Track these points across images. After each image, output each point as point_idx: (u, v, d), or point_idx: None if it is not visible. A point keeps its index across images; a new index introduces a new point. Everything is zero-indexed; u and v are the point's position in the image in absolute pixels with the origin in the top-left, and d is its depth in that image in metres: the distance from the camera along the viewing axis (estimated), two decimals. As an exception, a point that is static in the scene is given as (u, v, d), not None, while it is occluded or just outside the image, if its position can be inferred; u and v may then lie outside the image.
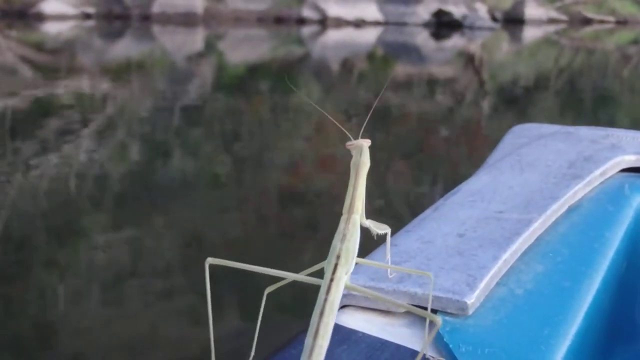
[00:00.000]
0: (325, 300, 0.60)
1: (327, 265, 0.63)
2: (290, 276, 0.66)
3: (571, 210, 1.01)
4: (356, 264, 0.66)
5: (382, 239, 0.79)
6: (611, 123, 6.19)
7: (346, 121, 5.77)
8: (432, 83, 9.77)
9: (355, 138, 0.68)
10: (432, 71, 11.23)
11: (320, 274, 0.66)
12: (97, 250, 3.32)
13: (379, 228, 0.71)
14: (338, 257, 0.63)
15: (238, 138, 5.93)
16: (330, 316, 0.60)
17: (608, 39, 18.80)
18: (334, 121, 0.74)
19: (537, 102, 8.37)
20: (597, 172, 1.09)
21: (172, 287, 2.83)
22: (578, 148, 1.20)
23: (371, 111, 0.79)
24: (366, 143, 0.68)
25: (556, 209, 0.97)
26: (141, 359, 2.36)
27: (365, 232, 0.72)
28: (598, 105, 8.41)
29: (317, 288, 0.63)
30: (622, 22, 22.14)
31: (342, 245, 0.63)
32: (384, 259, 0.82)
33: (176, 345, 2.38)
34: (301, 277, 0.66)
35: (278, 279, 0.67)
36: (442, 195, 1.07)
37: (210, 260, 0.67)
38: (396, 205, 4.02)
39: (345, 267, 0.63)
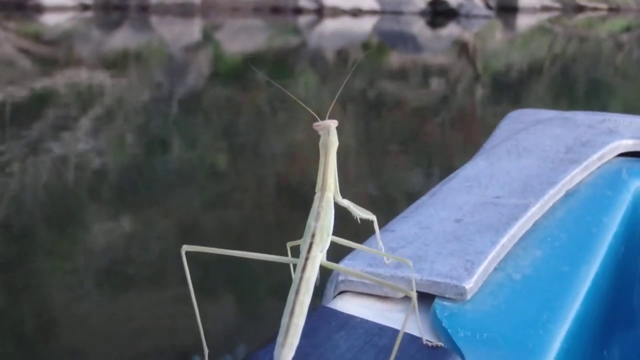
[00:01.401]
0: (301, 278, 0.60)
1: (302, 243, 0.63)
2: (266, 258, 0.66)
3: (569, 195, 1.00)
4: (331, 242, 0.65)
5: (380, 226, 0.78)
6: (604, 109, 6.17)
7: (341, 107, 5.75)
8: (427, 71, 9.74)
9: (323, 119, 0.68)
10: (427, 59, 11.19)
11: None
12: (94, 239, 3.30)
13: (362, 212, 0.71)
14: (313, 235, 0.62)
15: (235, 127, 5.90)
16: (306, 295, 0.59)
17: (601, 27, 18.76)
18: (302, 104, 0.73)
19: (531, 89, 8.36)
20: (595, 156, 1.08)
21: (166, 274, 2.82)
22: (575, 133, 1.19)
23: (339, 92, 0.78)
24: (333, 123, 0.68)
25: (554, 194, 0.96)
26: (136, 344, 2.35)
27: (364, 221, 0.71)
28: (591, 91, 8.40)
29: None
30: (614, 10, 22.10)
31: (316, 223, 0.63)
32: (378, 246, 0.82)
33: (171, 331, 2.38)
34: (277, 258, 0.66)
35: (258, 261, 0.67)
36: (438, 181, 1.05)
37: (186, 248, 0.66)
38: (392, 192, 4.01)
39: (320, 245, 0.63)
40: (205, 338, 0.68)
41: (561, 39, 15.36)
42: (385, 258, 0.80)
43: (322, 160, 0.67)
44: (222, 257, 0.67)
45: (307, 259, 0.61)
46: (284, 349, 0.57)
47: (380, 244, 0.78)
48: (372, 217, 0.72)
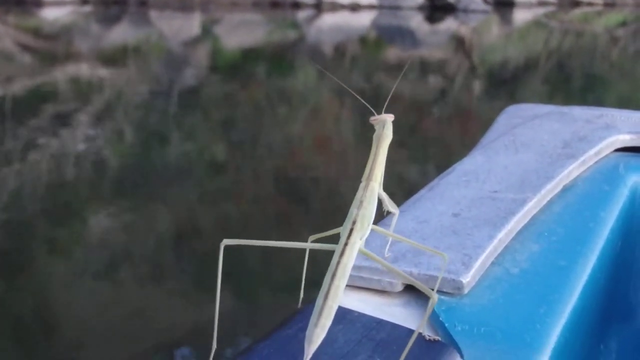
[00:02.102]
0: (339, 263, 0.61)
1: (343, 230, 0.64)
2: (304, 246, 0.67)
3: (566, 189, 1.00)
4: (372, 231, 0.66)
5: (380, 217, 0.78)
6: (600, 103, 6.18)
7: (341, 101, 5.74)
8: (424, 66, 9.72)
9: (379, 113, 0.70)
10: (424, 54, 11.17)
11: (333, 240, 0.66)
12: (94, 233, 3.30)
13: (391, 206, 0.72)
14: (354, 222, 0.63)
15: (233, 121, 5.89)
16: (341, 279, 0.60)
17: (597, 21, 18.73)
18: (359, 97, 0.75)
19: (527, 83, 8.35)
20: (592, 151, 1.07)
21: (165, 269, 2.82)
22: (572, 128, 1.18)
23: (393, 89, 0.80)
24: (389, 117, 0.70)
25: (551, 189, 0.96)
26: (136, 338, 2.35)
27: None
28: (587, 86, 8.39)
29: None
30: (610, 4, 22.06)
31: (358, 211, 0.64)
32: (377, 240, 0.82)
33: (170, 325, 2.38)
34: (317, 245, 0.67)
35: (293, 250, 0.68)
36: (435, 176, 1.05)
37: (226, 242, 0.66)
38: (389, 186, 4.00)
39: (360, 232, 0.63)
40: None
41: (557, 33, 15.34)
42: (385, 251, 0.80)
43: (373, 151, 0.68)
44: (260, 249, 0.68)
45: (346, 244, 0.62)
46: (316, 329, 0.58)
47: (391, 236, 0.78)
48: (396, 211, 0.74)
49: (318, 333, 0.58)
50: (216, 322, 0.67)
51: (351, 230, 0.63)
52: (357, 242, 0.63)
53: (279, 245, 0.67)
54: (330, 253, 0.64)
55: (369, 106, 0.72)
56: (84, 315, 2.51)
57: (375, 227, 0.67)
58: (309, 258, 0.75)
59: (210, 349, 0.68)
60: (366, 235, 0.65)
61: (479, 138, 1.25)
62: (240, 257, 2.61)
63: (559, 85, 8.51)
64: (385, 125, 0.69)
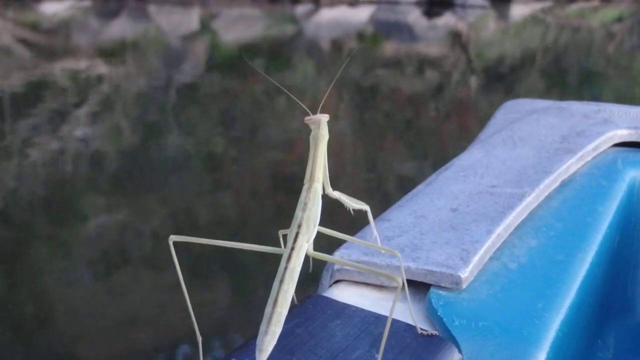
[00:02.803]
0: (286, 268, 0.60)
1: (289, 234, 0.63)
2: (254, 248, 0.66)
3: (564, 184, 0.99)
4: (318, 232, 0.65)
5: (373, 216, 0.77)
6: (596, 98, 6.17)
7: (337, 97, 5.73)
8: (421, 60, 9.71)
9: (314, 113, 0.69)
10: (422, 49, 11.16)
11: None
12: (91, 226, 3.29)
13: (355, 203, 0.70)
14: (299, 225, 0.63)
15: (230, 115, 5.88)
16: (290, 284, 0.59)
17: (593, 17, 18.71)
18: (295, 98, 0.74)
19: (523, 78, 8.34)
20: (590, 146, 1.07)
21: (162, 262, 2.82)
22: (570, 123, 1.18)
23: (329, 88, 0.79)
24: (324, 117, 0.68)
25: (549, 184, 0.95)
26: (131, 331, 2.35)
27: (359, 212, 0.70)
28: (583, 81, 8.38)
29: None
30: (606, 0, 22.04)
31: (303, 213, 0.63)
32: (373, 236, 0.81)
33: (166, 319, 2.37)
34: (265, 248, 0.66)
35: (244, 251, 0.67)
36: (433, 171, 1.04)
37: (173, 238, 0.66)
38: (387, 181, 4.00)
39: (306, 236, 0.63)
40: (199, 326, 0.68)
41: (554, 29, 15.32)
42: (384, 245, 0.79)
43: (311, 152, 0.67)
44: (217, 247, 0.67)
45: (292, 248, 0.61)
46: (266, 336, 0.57)
47: (375, 233, 0.77)
48: (365, 207, 0.72)
49: (268, 340, 0.57)
50: (192, 314, 0.66)
51: (297, 233, 0.62)
52: (303, 246, 0.62)
53: (224, 245, 0.66)
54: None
55: (304, 106, 0.71)
56: (76, 308, 2.50)
57: (320, 228, 0.66)
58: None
59: (197, 342, 0.68)
60: (313, 237, 0.64)
61: (475, 132, 1.24)
62: (237, 251, 2.61)
63: (555, 80, 8.50)
64: (320, 125, 0.68)
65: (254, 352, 0.62)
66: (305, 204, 0.64)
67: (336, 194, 0.69)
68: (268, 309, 0.58)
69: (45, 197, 3.79)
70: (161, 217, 3.47)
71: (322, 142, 0.68)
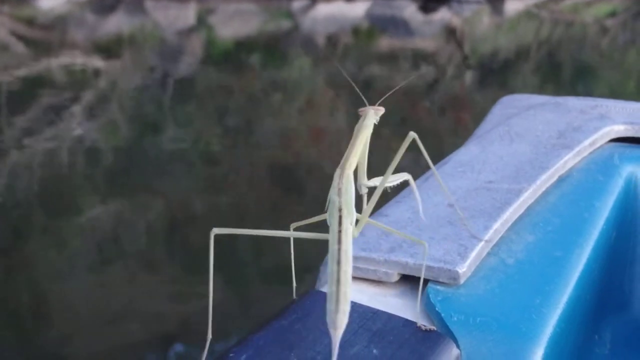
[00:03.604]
0: (339, 250, 0.61)
1: (330, 218, 0.64)
2: (296, 235, 0.67)
3: (561, 180, 0.99)
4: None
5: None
6: (589, 93, 6.18)
7: (335, 91, 5.72)
8: (416, 55, 9.70)
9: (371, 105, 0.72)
10: (417, 44, 11.15)
11: (313, 229, 0.67)
12: (87, 220, 3.28)
13: (394, 178, 0.72)
14: (340, 209, 0.63)
15: (228, 111, 5.87)
16: (347, 264, 0.61)
17: (586, 12, 18.71)
18: (357, 90, 0.77)
19: (518, 73, 8.34)
20: (587, 142, 1.07)
21: (159, 257, 2.81)
22: (567, 118, 1.18)
23: (396, 88, 0.80)
24: (374, 110, 0.71)
25: (546, 179, 0.95)
26: (129, 327, 2.34)
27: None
28: (577, 76, 8.39)
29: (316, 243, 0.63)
30: (600, -4, 22.02)
31: (340, 198, 0.64)
32: (373, 230, 0.81)
33: (163, 313, 2.37)
34: (302, 234, 0.67)
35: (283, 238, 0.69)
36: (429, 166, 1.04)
37: (216, 231, 0.67)
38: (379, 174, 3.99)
39: (349, 218, 0.64)
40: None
41: (547, 23, 15.32)
42: (382, 241, 0.79)
43: (352, 141, 0.69)
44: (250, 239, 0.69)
45: (339, 231, 0.62)
46: (338, 314, 0.59)
47: (419, 201, 0.77)
48: (405, 176, 0.74)
49: (341, 318, 0.59)
50: (210, 312, 0.66)
51: (340, 217, 0.63)
52: (349, 228, 0.63)
53: (267, 234, 0.67)
54: (315, 241, 0.64)
55: (363, 97, 0.74)
56: (73, 303, 2.50)
57: (359, 215, 0.67)
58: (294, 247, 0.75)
59: (206, 339, 0.68)
60: (354, 220, 0.65)
61: (469, 126, 1.24)
62: (232, 246, 2.60)
63: (549, 75, 8.50)
64: (365, 117, 0.70)
65: (251, 349, 0.62)
66: (340, 189, 0.65)
67: (371, 182, 0.71)
68: (332, 289, 0.60)
69: (40, 192, 3.78)
70: (157, 210, 3.46)
71: (363, 133, 0.70)
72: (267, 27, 13.07)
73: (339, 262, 0.61)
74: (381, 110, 0.72)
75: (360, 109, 0.71)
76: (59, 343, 2.28)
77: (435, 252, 0.77)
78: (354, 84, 0.77)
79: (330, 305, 0.59)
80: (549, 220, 0.88)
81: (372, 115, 0.71)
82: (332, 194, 0.65)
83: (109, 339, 2.26)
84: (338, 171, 0.67)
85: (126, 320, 2.37)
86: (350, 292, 0.60)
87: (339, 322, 0.59)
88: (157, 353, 2.23)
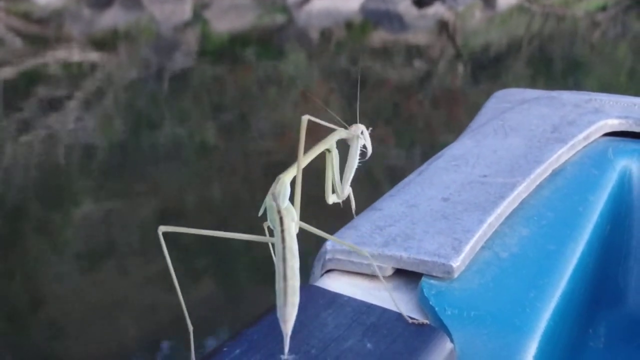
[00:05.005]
0: (284, 248, 0.61)
1: (271, 222, 0.65)
2: (242, 237, 0.67)
3: (555, 174, 0.98)
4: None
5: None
6: (580, 86, 6.18)
7: (327, 87, 5.71)
8: (409, 49, 9.69)
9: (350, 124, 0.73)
10: (409, 39, 11.13)
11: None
12: (83, 215, 3.27)
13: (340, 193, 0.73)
14: (279, 211, 0.64)
15: (223, 104, 5.85)
16: (293, 260, 0.61)
17: (577, 6, 18.72)
18: (333, 114, 0.76)
19: (510, 67, 8.34)
20: (581, 136, 1.06)
21: (155, 252, 2.80)
22: (561, 112, 1.17)
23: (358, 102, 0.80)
24: (342, 131, 0.71)
25: (540, 173, 0.94)
26: (124, 321, 2.34)
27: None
28: (568, 69, 8.39)
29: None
30: (591, -10, 22.03)
31: (277, 201, 0.65)
32: (367, 224, 0.80)
33: (159, 308, 2.36)
34: (253, 237, 0.67)
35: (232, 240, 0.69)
36: (422, 159, 1.03)
37: (163, 228, 0.66)
38: (377, 171, 3.99)
39: (288, 217, 0.64)
40: (190, 316, 0.67)
41: (539, 17, 15.32)
42: (376, 235, 0.79)
43: (307, 151, 0.70)
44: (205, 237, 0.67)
45: (282, 230, 0.63)
46: (287, 307, 0.60)
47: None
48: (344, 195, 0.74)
49: (290, 311, 0.60)
50: (183, 303, 0.67)
51: (280, 217, 0.63)
52: (291, 225, 0.64)
53: (216, 235, 0.67)
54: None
55: (340, 120, 0.73)
56: (68, 298, 2.49)
57: (301, 223, 0.67)
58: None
59: (188, 331, 0.68)
60: (296, 217, 0.65)
61: (462, 119, 1.23)
62: (227, 243, 2.59)
63: (540, 68, 8.51)
64: (335, 135, 0.71)
65: (245, 343, 0.62)
66: (273, 194, 0.66)
67: (332, 198, 0.72)
68: (279, 285, 0.60)
69: (35, 186, 3.76)
70: (152, 205, 3.45)
71: (318, 147, 0.70)
72: (262, 21, 13.03)
73: (284, 259, 0.61)
74: (360, 128, 0.73)
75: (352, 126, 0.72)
76: (51, 336, 2.27)
77: (429, 246, 0.76)
78: (327, 109, 0.77)
79: (279, 301, 0.60)
80: (543, 214, 0.88)
81: (337, 136, 0.71)
82: (268, 200, 0.65)
83: (102, 332, 2.25)
84: (278, 178, 0.67)
85: (119, 313, 2.36)
86: (298, 286, 0.60)
87: (288, 315, 0.60)
88: (148, 346, 2.22)
